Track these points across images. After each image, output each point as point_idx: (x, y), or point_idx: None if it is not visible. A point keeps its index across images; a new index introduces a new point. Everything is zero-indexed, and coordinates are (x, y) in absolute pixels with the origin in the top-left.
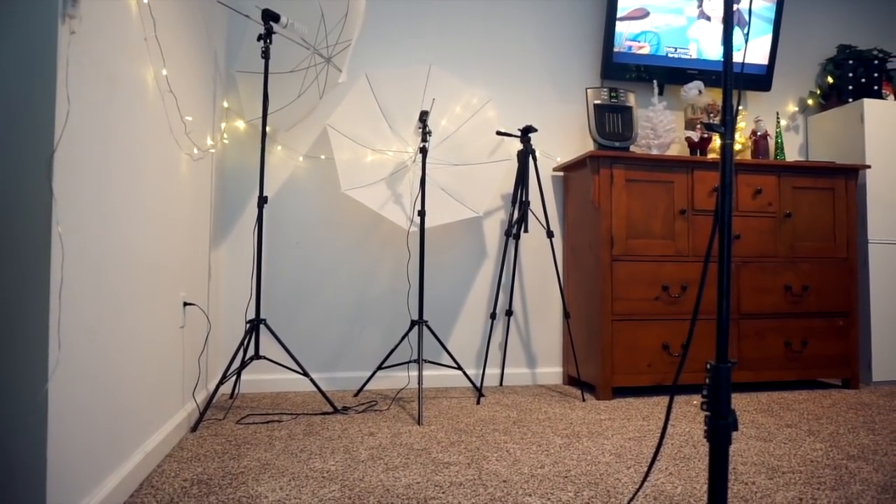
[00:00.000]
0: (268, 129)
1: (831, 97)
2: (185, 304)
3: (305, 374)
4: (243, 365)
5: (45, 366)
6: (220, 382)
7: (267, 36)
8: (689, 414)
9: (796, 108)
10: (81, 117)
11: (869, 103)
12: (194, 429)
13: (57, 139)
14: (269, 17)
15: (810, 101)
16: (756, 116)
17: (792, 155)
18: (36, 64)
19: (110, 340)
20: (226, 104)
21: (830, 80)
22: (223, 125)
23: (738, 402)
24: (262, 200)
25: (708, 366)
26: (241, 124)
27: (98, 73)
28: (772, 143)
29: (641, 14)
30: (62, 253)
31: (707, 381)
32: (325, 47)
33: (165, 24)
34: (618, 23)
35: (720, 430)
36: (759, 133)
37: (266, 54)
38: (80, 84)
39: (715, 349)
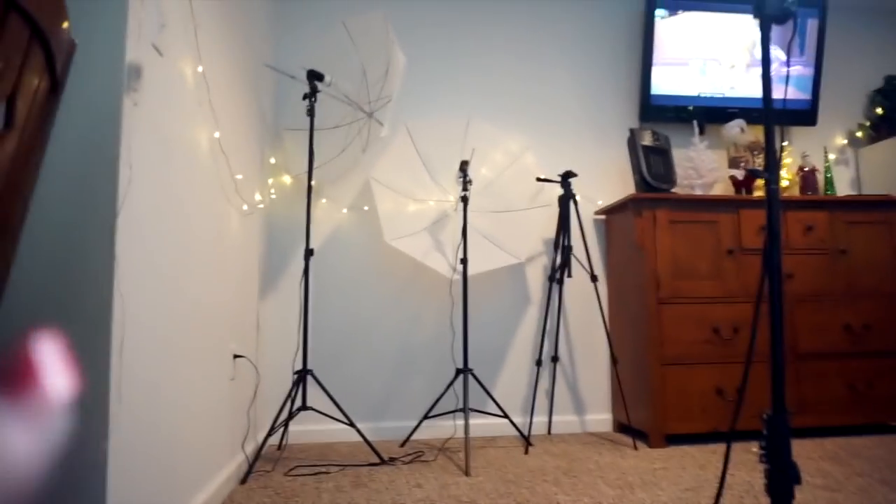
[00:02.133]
0: (313, 183)
1: (881, 129)
2: (235, 356)
3: (352, 424)
4: (291, 416)
5: (106, 423)
6: (269, 434)
7: (312, 94)
8: (749, 462)
9: (845, 141)
10: (141, 181)
11: None
12: (244, 481)
13: (120, 204)
14: (314, 76)
15: (859, 134)
16: (803, 151)
17: (843, 189)
18: (101, 134)
19: (165, 396)
20: (273, 160)
21: (880, 111)
22: (270, 181)
23: (802, 448)
24: (309, 252)
25: (764, 417)
26: (287, 179)
27: (157, 139)
28: (821, 177)
29: (679, 62)
30: (123, 312)
31: (764, 431)
32: (367, 103)
33: (218, 89)
34: (654, 67)
35: (780, 483)
36: (806, 168)
37: (311, 112)
38: (141, 150)
39: (771, 395)
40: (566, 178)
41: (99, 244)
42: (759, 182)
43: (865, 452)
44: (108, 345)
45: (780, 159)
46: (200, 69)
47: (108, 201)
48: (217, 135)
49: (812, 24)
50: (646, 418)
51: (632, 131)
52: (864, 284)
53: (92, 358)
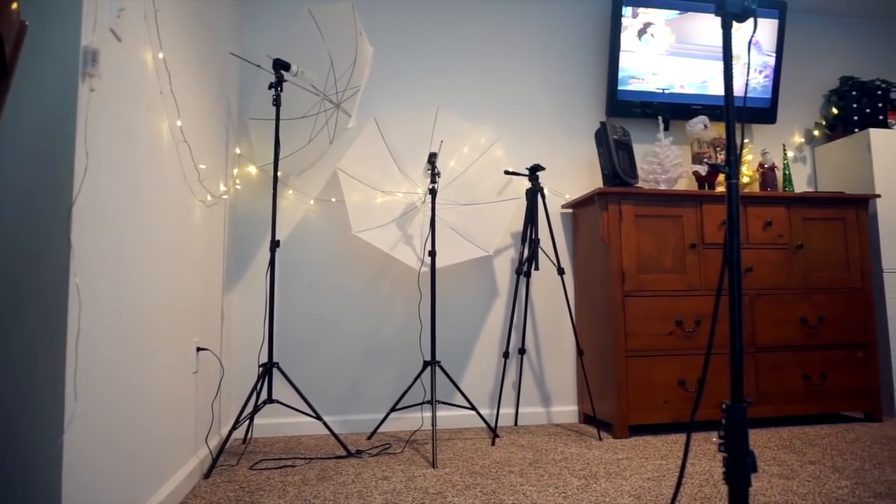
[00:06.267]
0: (279, 174)
1: (837, 128)
2: (199, 349)
3: (318, 417)
4: (256, 409)
5: (62, 417)
6: (234, 427)
7: (278, 84)
8: (709, 452)
9: (802, 140)
10: (100, 169)
11: (875, 133)
12: (207, 475)
13: (76, 192)
14: (281, 66)
15: (816, 132)
16: (763, 149)
17: (800, 186)
18: (57, 121)
19: (124, 389)
20: (238, 151)
21: (835, 110)
22: (236, 171)
23: (759, 437)
24: (275, 244)
25: (724, 406)
26: (253, 170)
27: (116, 127)
28: (780, 174)
29: (645, 58)
30: (79, 303)
31: (723, 421)
32: (334, 93)
33: (180, 77)
34: (622, 54)
35: (738, 472)
36: (766, 165)
37: (277, 102)
38: (99, 138)
39: (731, 385)
40: (534, 171)
41: (54, 233)
42: (722, 178)
43: (819, 441)
44: (64, 336)
45: (740, 155)
46: (161, 56)
47: (64, 189)
48: (179, 123)
49: (772, 25)
50: (610, 409)
51: (602, 124)
52: (819, 278)
53: (46, 350)
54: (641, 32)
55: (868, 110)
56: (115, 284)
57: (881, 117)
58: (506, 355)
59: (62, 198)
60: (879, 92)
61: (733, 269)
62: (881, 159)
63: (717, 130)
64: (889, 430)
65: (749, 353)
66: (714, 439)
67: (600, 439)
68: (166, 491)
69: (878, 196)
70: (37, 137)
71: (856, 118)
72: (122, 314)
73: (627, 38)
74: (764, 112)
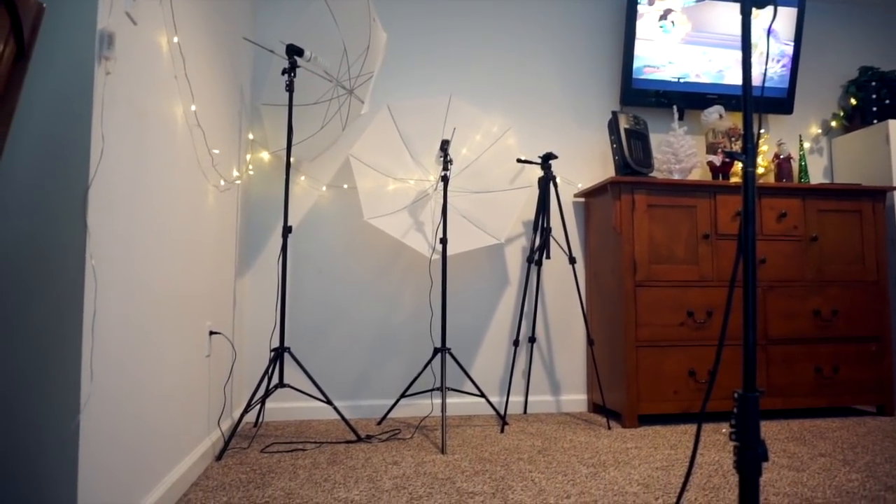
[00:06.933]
0: (292, 159)
1: (855, 119)
2: (211, 332)
3: (329, 402)
4: (267, 393)
5: (78, 398)
6: (245, 411)
7: (291, 70)
8: (718, 442)
9: (819, 131)
10: (114, 153)
11: (894, 124)
12: (219, 457)
13: (92, 175)
14: (294, 51)
15: (834, 123)
16: (779, 139)
17: (816, 177)
18: (73, 104)
19: (138, 371)
20: (251, 136)
21: (853, 101)
22: (248, 157)
23: (769, 430)
24: (287, 230)
25: (735, 395)
26: (265, 156)
27: (131, 111)
28: (795, 165)
29: (661, 48)
30: (95, 285)
31: (735, 410)
32: (347, 80)
33: (194, 62)
34: (638, 43)
35: (749, 460)
36: (782, 156)
37: (290, 87)
38: (114, 122)
39: (742, 376)
40: (546, 159)
41: (71, 215)
42: (736, 168)
43: (829, 434)
44: (80, 318)
45: (757, 145)
46: (176, 40)
47: (80, 172)
48: (193, 108)
49: (790, 13)
50: (620, 399)
51: (614, 114)
52: (833, 271)
53: (63, 332)
54: (662, 18)
55: (887, 101)
56: (128, 267)
57: None
58: (516, 343)
59: (78, 181)
60: None
61: (747, 256)
62: None
63: (733, 120)
64: None
65: (760, 346)
66: (724, 430)
67: (609, 428)
68: (179, 472)
69: None
70: (53, 120)
71: (874, 109)
72: (135, 297)
73: (643, 25)
74: (781, 102)
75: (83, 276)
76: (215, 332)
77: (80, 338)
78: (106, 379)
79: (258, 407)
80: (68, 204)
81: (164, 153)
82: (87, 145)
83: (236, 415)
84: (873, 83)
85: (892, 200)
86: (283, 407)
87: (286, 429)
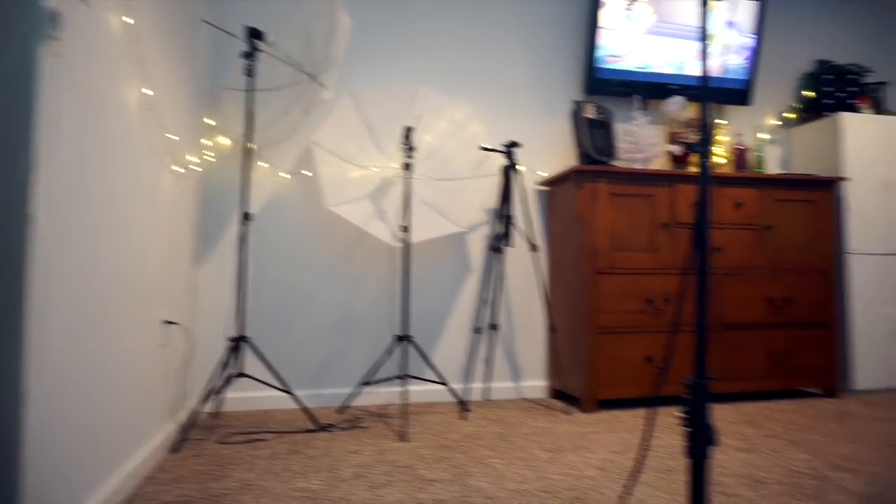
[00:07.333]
0: (253, 146)
1: (811, 111)
2: (167, 322)
3: (288, 391)
4: (225, 383)
5: (20, 390)
6: (202, 401)
7: (251, 53)
8: (674, 426)
9: (777, 122)
10: (61, 137)
11: (846, 117)
12: (176, 449)
13: (36, 163)
14: (254, 34)
15: (791, 115)
16: (737, 130)
17: (773, 168)
18: (17, 86)
19: (87, 361)
20: (212, 122)
21: (810, 93)
22: (208, 143)
23: (723, 412)
24: (246, 217)
25: (686, 381)
26: (226, 142)
27: (80, 95)
28: (753, 156)
29: (625, 37)
30: (41, 274)
31: (686, 396)
32: (310, 64)
33: (149, 44)
34: (602, 32)
35: (699, 446)
36: (739, 147)
37: (250, 72)
38: (62, 106)
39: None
40: (510, 147)
41: (12, 202)
42: (695, 158)
43: (780, 416)
44: (23, 310)
45: (714, 136)
46: (129, 20)
47: (23, 160)
48: (148, 91)
49: (752, 6)
50: (579, 384)
51: (576, 103)
52: (787, 259)
53: (6, 321)
54: (627, 9)
55: (841, 94)
56: (77, 256)
57: (853, 102)
58: (477, 331)
59: (21, 168)
60: (853, 76)
61: (701, 244)
62: (852, 143)
63: (694, 111)
64: (847, 405)
65: (717, 331)
66: (677, 414)
67: (569, 414)
68: (133, 463)
69: (848, 179)
70: None
71: (829, 102)
72: (84, 285)
73: (607, 14)
74: (740, 93)
75: (24, 266)
76: (171, 322)
77: (22, 328)
78: (52, 369)
79: (217, 397)
80: (11, 191)
81: (116, 138)
82: (30, 129)
83: (194, 406)
84: (829, 76)
85: (843, 191)
86: (244, 397)
87: (246, 419)
